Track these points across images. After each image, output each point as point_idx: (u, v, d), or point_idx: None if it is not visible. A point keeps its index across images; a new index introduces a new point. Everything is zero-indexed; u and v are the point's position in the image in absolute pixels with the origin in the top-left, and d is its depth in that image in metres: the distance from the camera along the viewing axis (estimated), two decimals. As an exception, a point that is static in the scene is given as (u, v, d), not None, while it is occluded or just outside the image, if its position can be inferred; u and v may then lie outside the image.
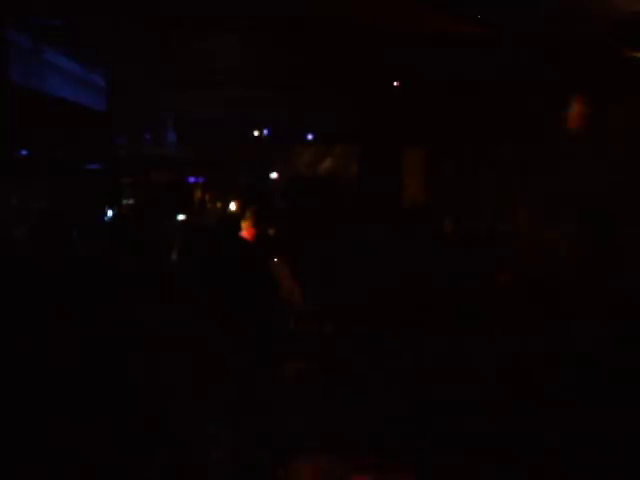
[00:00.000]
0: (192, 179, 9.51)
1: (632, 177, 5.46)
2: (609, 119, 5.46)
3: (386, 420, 4.73)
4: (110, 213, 6.83)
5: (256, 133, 12.26)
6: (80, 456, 2.96)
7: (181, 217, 7.83)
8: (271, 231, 6.11)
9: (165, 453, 3.70)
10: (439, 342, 6.01)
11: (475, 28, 5.89)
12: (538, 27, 5.30)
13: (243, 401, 4.54)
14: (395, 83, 8.53)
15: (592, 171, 5.87)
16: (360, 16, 6.07)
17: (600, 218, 5.84)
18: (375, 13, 5.98)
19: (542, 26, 5.25)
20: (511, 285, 6.83)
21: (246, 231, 6.27)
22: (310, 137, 12.76)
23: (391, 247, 7.24)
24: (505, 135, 8.04)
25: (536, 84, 6.72)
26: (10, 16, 5.93)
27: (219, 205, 10.44)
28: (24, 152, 6.53)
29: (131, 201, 8.06)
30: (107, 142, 8.48)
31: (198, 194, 9.83)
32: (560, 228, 6.30)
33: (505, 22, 5.44)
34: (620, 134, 5.47)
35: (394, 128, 10.38)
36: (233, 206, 10.37)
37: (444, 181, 10.05)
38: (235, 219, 6.06)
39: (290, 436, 4.60)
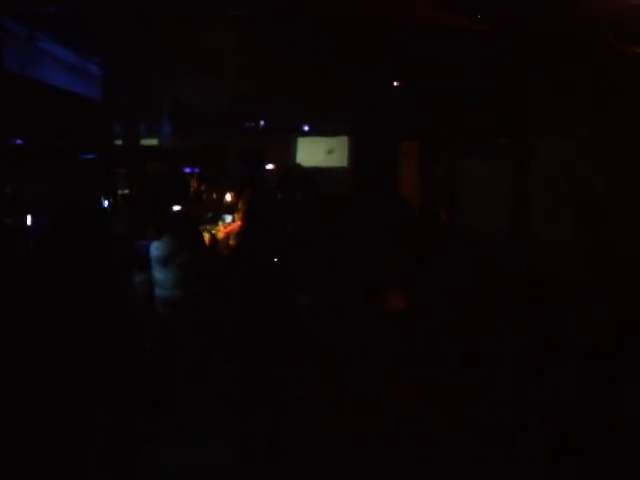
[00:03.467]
0: (188, 169, 9.47)
1: (632, 172, 5.46)
2: (608, 115, 5.46)
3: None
4: (106, 203, 6.83)
5: (252, 124, 12.23)
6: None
7: (176, 208, 7.80)
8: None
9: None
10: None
11: (471, 22, 5.88)
12: (535, 21, 5.29)
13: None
14: (395, 83, 8.51)
15: (592, 167, 5.87)
16: (357, 8, 6.05)
17: (598, 215, 5.86)
18: (372, 6, 5.96)
19: (539, 20, 5.24)
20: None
21: (239, 221, 6.31)
22: (306, 128, 12.77)
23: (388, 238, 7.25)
24: (502, 129, 8.04)
25: (533, 78, 6.72)
26: (4, 4, 5.88)
27: (215, 196, 10.41)
28: (18, 141, 6.50)
29: (126, 191, 8.03)
30: (102, 131, 8.44)
31: (194, 184, 9.80)
32: (558, 222, 6.31)
33: (501, 16, 5.43)
34: (620, 130, 5.47)
35: (390, 120, 10.37)
36: (229, 197, 10.34)
37: (438, 174, 10.06)
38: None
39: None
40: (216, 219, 9.71)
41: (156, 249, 5.26)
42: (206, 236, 7.38)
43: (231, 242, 7.09)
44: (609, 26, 4.70)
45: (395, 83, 8.76)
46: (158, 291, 5.24)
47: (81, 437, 2.92)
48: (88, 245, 3.22)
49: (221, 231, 8.28)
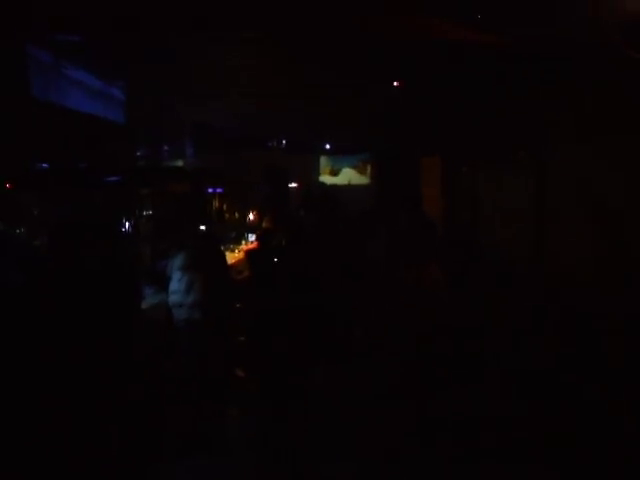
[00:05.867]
0: (210, 189, 9.60)
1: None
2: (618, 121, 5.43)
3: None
4: (127, 225, 6.95)
5: (274, 143, 12.35)
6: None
7: (200, 227, 7.89)
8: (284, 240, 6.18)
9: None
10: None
11: (488, 37, 5.90)
12: (547, 32, 5.29)
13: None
14: (395, 83, 8.51)
15: (612, 176, 5.82)
16: (374, 27, 6.11)
17: (616, 222, 5.79)
18: (389, 24, 6.02)
19: (551, 31, 5.24)
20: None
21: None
22: (327, 147, 12.86)
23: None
24: (521, 142, 8.00)
25: (549, 89, 6.70)
26: (30, 32, 6.08)
27: (237, 215, 10.53)
28: (44, 165, 6.67)
29: (150, 212, 8.16)
30: (126, 154, 8.61)
31: (217, 204, 9.93)
32: (581, 232, 6.24)
33: (515, 29, 5.44)
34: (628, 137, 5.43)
35: (410, 137, 10.38)
36: (252, 216, 10.43)
37: (462, 190, 10.02)
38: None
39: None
40: (239, 238, 9.81)
41: (176, 258, 5.36)
42: (228, 255, 7.48)
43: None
44: (622, 34, 4.68)
45: (395, 83, 8.72)
46: (173, 298, 5.29)
47: (93, 449, 2.97)
48: (87, 261, 3.30)
49: (242, 250, 8.38)
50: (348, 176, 14.34)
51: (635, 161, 5.37)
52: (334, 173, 14.44)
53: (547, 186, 7.07)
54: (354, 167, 14.30)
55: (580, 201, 6.21)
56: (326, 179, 14.10)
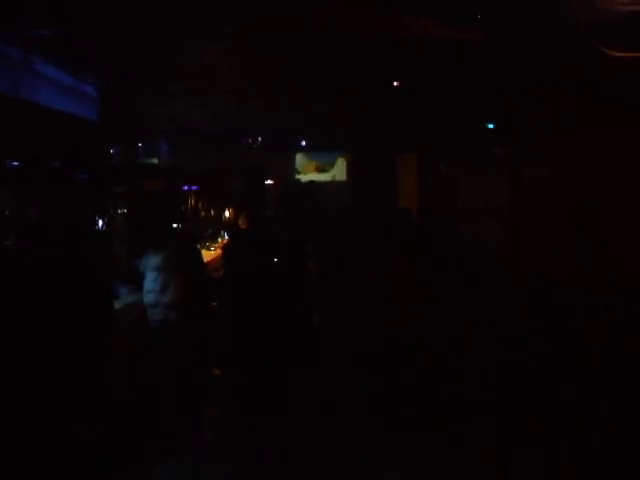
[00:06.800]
0: (186, 187, 9.50)
1: (625, 175, 5.47)
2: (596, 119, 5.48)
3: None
4: (100, 223, 6.84)
5: (250, 140, 12.28)
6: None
7: (175, 225, 7.80)
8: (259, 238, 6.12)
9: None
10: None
11: (464, 34, 5.91)
12: (526, 31, 5.31)
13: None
14: (395, 83, 8.51)
15: (586, 172, 5.87)
16: (352, 24, 6.08)
17: (591, 217, 5.85)
18: (368, 21, 5.99)
19: (530, 30, 5.26)
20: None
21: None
22: (303, 144, 12.81)
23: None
24: (498, 138, 8.05)
25: (526, 86, 6.74)
26: (-2, 28, 5.94)
27: (213, 213, 10.45)
28: (15, 163, 6.54)
29: (125, 210, 8.04)
30: (99, 152, 8.48)
31: (192, 202, 9.84)
32: (555, 229, 6.29)
33: (493, 27, 5.45)
34: (609, 133, 5.48)
35: (387, 134, 10.38)
36: (228, 213, 10.37)
37: (437, 186, 10.07)
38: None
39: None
40: (215, 236, 9.75)
41: (151, 257, 5.27)
42: (205, 253, 7.40)
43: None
44: (594, 32, 4.72)
45: (395, 83, 8.71)
46: (148, 298, 5.21)
47: (72, 451, 2.91)
48: (55, 261, 3.23)
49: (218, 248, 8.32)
50: (333, 172, 14.25)
51: (611, 156, 5.42)
52: (320, 169, 14.30)
53: (524, 183, 7.12)
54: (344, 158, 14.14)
55: (558, 197, 6.26)
56: (313, 176, 13.95)
